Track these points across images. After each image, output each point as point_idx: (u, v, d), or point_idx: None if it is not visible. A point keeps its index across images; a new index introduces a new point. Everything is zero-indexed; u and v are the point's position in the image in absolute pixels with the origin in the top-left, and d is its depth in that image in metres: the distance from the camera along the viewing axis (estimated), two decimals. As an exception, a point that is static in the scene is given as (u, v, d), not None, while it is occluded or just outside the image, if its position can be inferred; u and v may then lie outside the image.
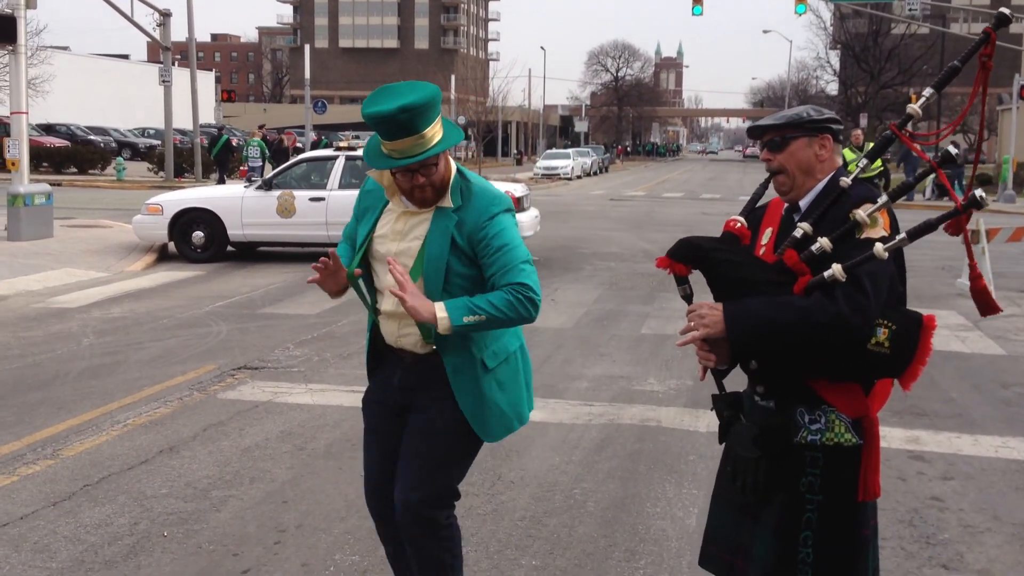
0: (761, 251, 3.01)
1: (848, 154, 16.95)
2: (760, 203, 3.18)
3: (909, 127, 2.96)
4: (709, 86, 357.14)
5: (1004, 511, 5.29)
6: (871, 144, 16.59)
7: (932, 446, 6.41)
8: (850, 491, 2.85)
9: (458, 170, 3.35)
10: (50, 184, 17.94)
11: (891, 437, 6.55)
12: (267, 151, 27.34)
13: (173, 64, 35.54)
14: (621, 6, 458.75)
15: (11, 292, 11.83)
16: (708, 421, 6.68)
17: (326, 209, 14.51)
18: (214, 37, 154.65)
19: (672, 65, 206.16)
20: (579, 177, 54.31)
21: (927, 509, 5.30)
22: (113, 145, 49.14)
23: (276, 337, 9.50)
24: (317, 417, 6.87)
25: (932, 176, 2.90)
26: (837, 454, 2.84)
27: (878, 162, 18.56)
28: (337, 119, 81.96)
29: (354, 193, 3.98)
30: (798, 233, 2.85)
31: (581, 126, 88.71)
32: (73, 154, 39.28)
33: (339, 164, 14.79)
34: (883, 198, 2.84)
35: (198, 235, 15.06)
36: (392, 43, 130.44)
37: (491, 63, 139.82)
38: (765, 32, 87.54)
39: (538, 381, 7.97)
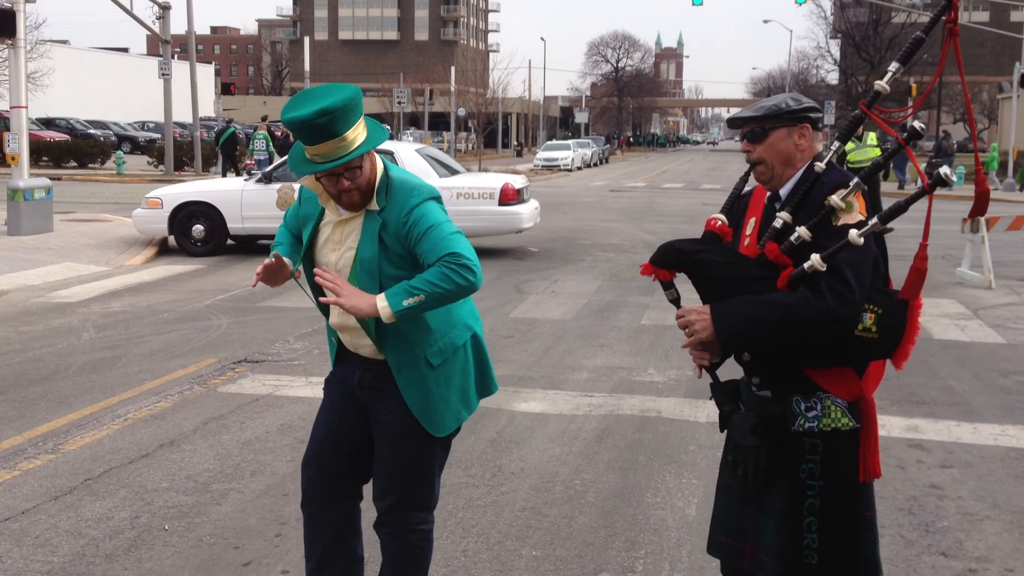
0: (746, 241, 3.03)
1: (848, 143, 16.89)
2: (745, 190, 3.19)
3: (912, 120, 2.95)
4: (709, 76, 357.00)
5: (1003, 499, 5.30)
6: (872, 134, 16.46)
7: (931, 434, 6.42)
8: (850, 474, 2.88)
9: (385, 169, 3.30)
10: (50, 178, 17.91)
11: (890, 426, 6.57)
12: (272, 144, 27.31)
13: (173, 57, 35.50)
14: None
15: (11, 287, 11.84)
16: (708, 411, 6.69)
17: (326, 202, 14.50)
18: (213, 30, 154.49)
19: (672, 55, 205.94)
20: (579, 168, 54.27)
21: (926, 497, 5.31)
22: (113, 139, 49.16)
23: (276, 330, 9.51)
24: (317, 410, 6.86)
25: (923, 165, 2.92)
26: (835, 439, 2.86)
27: (877, 151, 18.57)
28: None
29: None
30: (778, 223, 2.88)
31: (581, 117, 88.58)
32: (73, 148, 39.28)
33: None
34: (855, 180, 2.85)
35: (198, 229, 15.06)
36: (392, 35, 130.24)
37: (491, 54, 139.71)
38: (765, 22, 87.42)
39: (538, 372, 8.00)
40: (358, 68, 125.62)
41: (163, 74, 34.40)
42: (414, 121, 74.12)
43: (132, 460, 5.85)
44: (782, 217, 2.87)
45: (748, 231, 3.04)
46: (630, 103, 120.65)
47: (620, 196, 31.17)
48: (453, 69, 63.24)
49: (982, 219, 12.73)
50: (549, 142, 62.44)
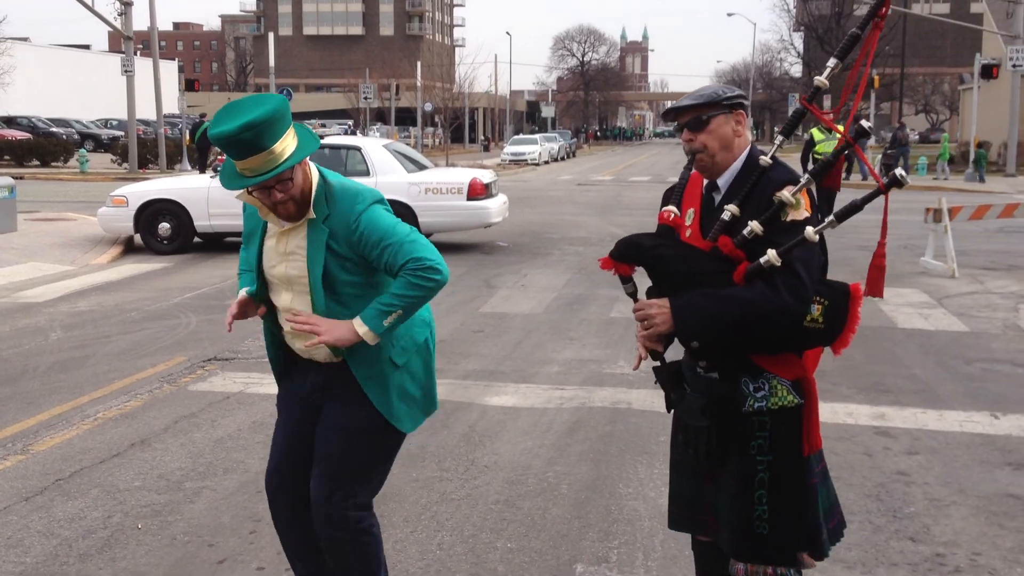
0: (687, 232, 3.08)
1: (816, 134, 17.00)
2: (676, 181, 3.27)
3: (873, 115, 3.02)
4: (675, 70, 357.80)
5: (969, 484, 5.39)
6: (840, 126, 16.63)
7: (898, 422, 6.51)
8: (796, 447, 3.02)
9: (321, 177, 3.28)
10: (12, 177, 17.72)
11: (857, 414, 6.66)
12: None
13: (135, 54, 35.19)
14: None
15: (-24, 287, 11.71)
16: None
17: (293, 198, 14.44)
18: (176, 26, 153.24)
19: (638, 49, 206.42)
20: (546, 162, 54.34)
21: (893, 484, 5.39)
22: (76, 137, 48.65)
23: (246, 328, 9.44)
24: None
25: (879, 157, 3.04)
26: (782, 416, 2.99)
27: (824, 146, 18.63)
28: (303, 107, 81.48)
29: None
30: (726, 216, 2.94)
31: (548, 111, 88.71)
32: (35, 147, 38.85)
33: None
34: (804, 178, 2.93)
35: (164, 227, 14.96)
36: (357, 30, 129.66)
37: (457, 49, 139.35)
38: (729, 15, 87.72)
39: (509, 366, 8.03)
40: (323, 64, 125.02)
41: (126, 71, 34.09)
42: (380, 116, 73.88)
43: (103, 460, 5.82)
44: (730, 210, 2.93)
45: (688, 222, 3.10)
46: (596, 97, 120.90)
47: (587, 190, 31.26)
48: (419, 64, 63.04)
49: (944, 209, 12.91)
50: (516, 136, 62.46)
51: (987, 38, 46.24)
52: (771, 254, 2.82)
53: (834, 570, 4.36)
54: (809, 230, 2.85)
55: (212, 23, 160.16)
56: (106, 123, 57.91)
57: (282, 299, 3.38)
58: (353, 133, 36.35)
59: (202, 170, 29.67)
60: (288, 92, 47.44)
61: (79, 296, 11.37)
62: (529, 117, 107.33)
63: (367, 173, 14.22)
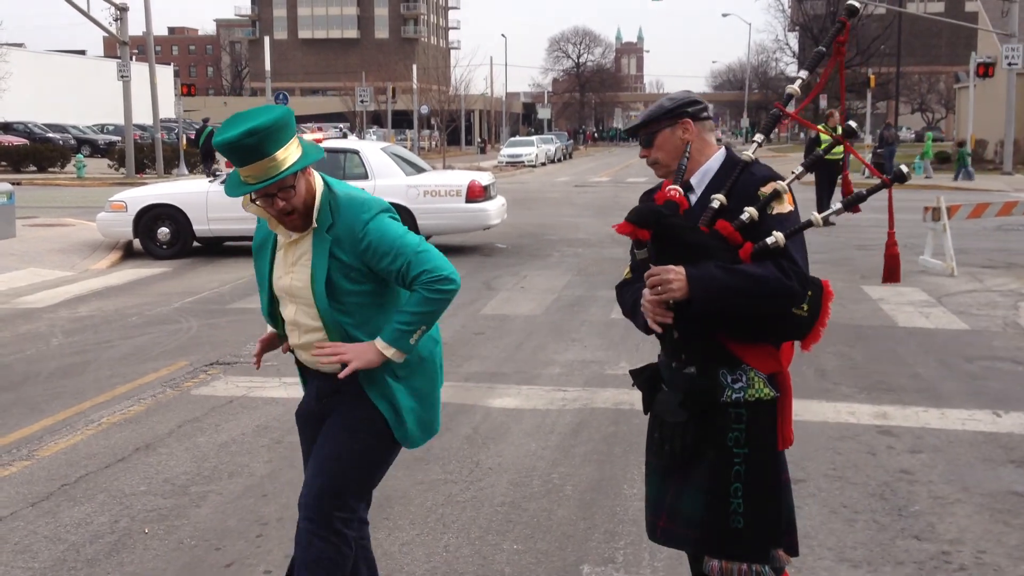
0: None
1: (824, 136, 17.07)
2: (647, 190, 3.32)
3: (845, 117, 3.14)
4: (670, 71, 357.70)
5: (972, 482, 5.41)
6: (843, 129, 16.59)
7: (900, 420, 6.53)
8: (771, 441, 3.09)
9: (326, 186, 3.29)
10: (10, 183, 17.71)
11: (860, 413, 6.68)
12: None
13: (131, 59, 35.18)
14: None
15: (-24, 293, 11.71)
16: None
17: (292, 202, 14.44)
18: (171, 30, 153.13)
19: (633, 50, 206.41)
20: (543, 164, 54.34)
21: (897, 482, 5.41)
22: (72, 142, 48.58)
23: (247, 332, 9.48)
24: (292, 410, 6.81)
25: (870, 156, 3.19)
26: (758, 408, 3.06)
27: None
28: (299, 111, 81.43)
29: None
30: (715, 204, 3.04)
31: (544, 113, 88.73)
32: (32, 152, 38.83)
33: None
34: (800, 170, 3.14)
35: (163, 231, 14.96)
36: (352, 33, 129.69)
37: (452, 52, 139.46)
38: (724, 16, 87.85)
39: (511, 368, 8.04)
40: (319, 67, 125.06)
41: (122, 76, 34.09)
42: (377, 120, 73.92)
43: (108, 464, 5.83)
44: (719, 199, 3.03)
45: None
46: (592, 98, 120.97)
47: (585, 191, 31.28)
48: (415, 67, 63.12)
49: (943, 208, 12.93)
50: (513, 138, 62.50)
51: (982, 36, 46.32)
52: (778, 236, 2.93)
53: (839, 569, 4.37)
54: (816, 215, 3.07)
55: (207, 27, 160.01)
56: (102, 128, 57.87)
57: (287, 311, 3.39)
58: (345, 136, 36.33)
59: (207, 173, 29.75)
60: (284, 96, 47.51)
61: (79, 301, 11.37)
62: (525, 119, 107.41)
63: (365, 176, 14.22)
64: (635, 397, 7.03)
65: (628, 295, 3.21)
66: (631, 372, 3.35)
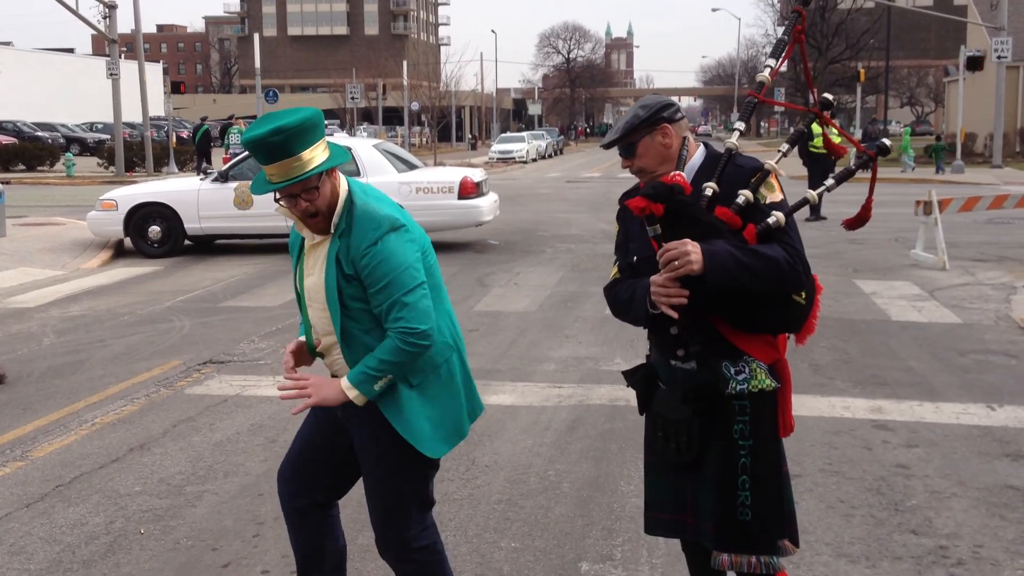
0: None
1: (815, 128, 17.12)
2: (630, 189, 3.31)
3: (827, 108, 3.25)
4: (660, 66, 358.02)
5: (968, 476, 5.42)
6: (837, 123, 16.63)
7: (895, 415, 6.54)
8: (773, 432, 3.11)
9: (350, 191, 3.28)
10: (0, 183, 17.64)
11: (855, 407, 6.68)
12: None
13: (120, 57, 35.05)
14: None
15: (-33, 293, 11.66)
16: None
17: (284, 200, 14.38)
18: (160, 28, 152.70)
19: (623, 46, 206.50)
20: (534, 160, 54.34)
21: (894, 477, 5.41)
22: (61, 141, 48.44)
23: (240, 330, 9.46)
24: (287, 409, 6.84)
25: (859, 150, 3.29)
26: (761, 399, 3.06)
27: (839, 139, 18.74)
28: (289, 108, 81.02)
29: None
30: (708, 192, 3.06)
31: (535, 109, 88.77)
32: (20, 151, 38.70)
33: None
34: (770, 164, 3.13)
35: (154, 230, 14.91)
36: (342, 30, 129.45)
37: (442, 48, 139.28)
38: (714, 11, 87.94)
39: (505, 364, 8.03)
40: (309, 64, 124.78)
41: (111, 74, 33.97)
42: (367, 116, 73.79)
43: (103, 465, 5.80)
44: (711, 187, 3.06)
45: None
46: (582, 94, 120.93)
47: (577, 187, 31.27)
48: (405, 63, 62.98)
49: (935, 201, 12.96)
50: (503, 134, 62.43)
51: (971, 30, 46.45)
52: (778, 215, 2.99)
53: (838, 564, 4.37)
54: (811, 192, 3.18)
55: (196, 25, 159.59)
56: (91, 126, 57.69)
57: (310, 313, 3.37)
58: (330, 135, 36.46)
59: (204, 172, 29.75)
60: (274, 93, 47.36)
61: (71, 301, 11.32)
62: (516, 115, 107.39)
63: (357, 173, 14.18)
64: (630, 394, 6.99)
65: (623, 289, 3.17)
66: (624, 373, 3.35)
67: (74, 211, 20.59)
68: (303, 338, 3.46)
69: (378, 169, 14.47)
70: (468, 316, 9.98)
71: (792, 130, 3.34)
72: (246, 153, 15.50)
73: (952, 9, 77.95)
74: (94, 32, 35.66)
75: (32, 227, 17.93)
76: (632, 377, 3.30)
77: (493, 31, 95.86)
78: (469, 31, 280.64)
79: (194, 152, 33.80)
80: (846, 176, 3.16)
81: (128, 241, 15.27)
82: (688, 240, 2.91)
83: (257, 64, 44.62)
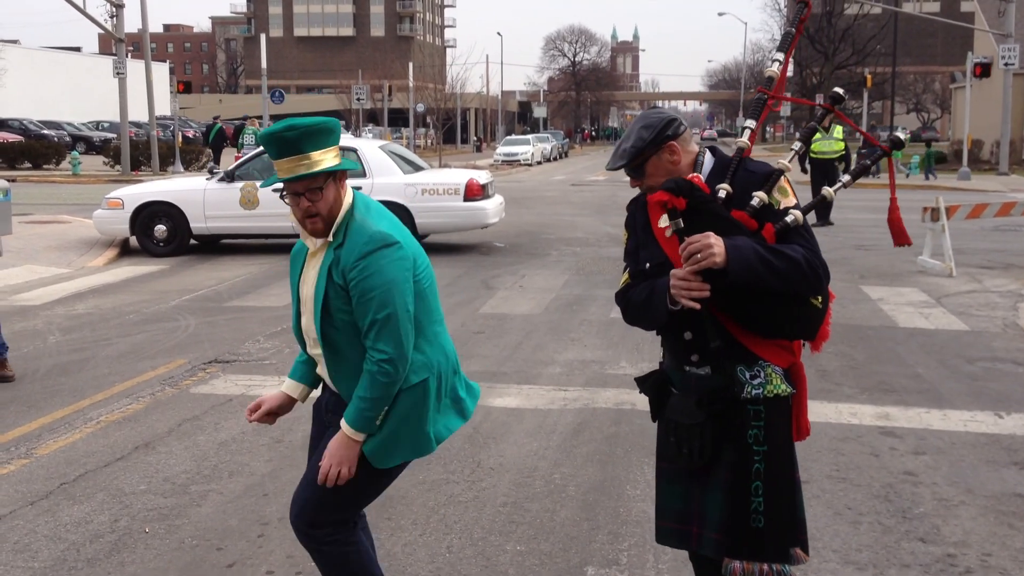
0: (668, 233, 3.06)
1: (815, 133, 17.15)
2: (638, 195, 3.28)
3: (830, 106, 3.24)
4: (665, 69, 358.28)
5: (976, 484, 5.39)
6: (840, 128, 16.56)
7: (902, 422, 6.51)
8: (787, 437, 3.10)
9: (352, 206, 3.30)
10: (6, 180, 17.62)
11: (862, 414, 6.66)
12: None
13: (127, 56, 35.09)
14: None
15: (-28, 290, 11.66)
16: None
17: (290, 200, 14.37)
18: (166, 27, 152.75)
19: (628, 49, 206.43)
20: (539, 163, 54.33)
21: (901, 484, 5.39)
22: (67, 139, 48.46)
23: (245, 330, 9.45)
24: (292, 409, 6.83)
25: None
26: (775, 404, 3.05)
27: (841, 144, 18.71)
28: (295, 109, 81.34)
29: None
30: (722, 194, 3.05)
31: (540, 112, 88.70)
32: (27, 149, 38.72)
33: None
34: (783, 163, 3.11)
35: (160, 229, 14.91)
36: (348, 31, 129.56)
37: (448, 50, 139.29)
38: (720, 15, 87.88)
39: (511, 367, 8.01)
40: (315, 65, 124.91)
41: (118, 73, 33.98)
42: (372, 118, 73.83)
43: (108, 463, 5.79)
44: (724, 188, 3.04)
45: (662, 223, 3.09)
46: (588, 97, 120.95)
47: (582, 190, 31.25)
48: (411, 65, 62.95)
49: (942, 208, 12.93)
50: (508, 137, 62.45)
51: (978, 36, 46.33)
52: (795, 214, 2.98)
53: (846, 572, 4.35)
54: (827, 189, 3.12)
55: (203, 25, 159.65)
56: (97, 125, 57.73)
57: (303, 323, 3.43)
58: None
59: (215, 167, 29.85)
60: (280, 94, 47.41)
61: (76, 299, 11.32)
62: (521, 117, 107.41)
63: (363, 175, 14.18)
64: (636, 397, 7.02)
65: (638, 291, 3.12)
66: (636, 380, 3.33)
67: (80, 209, 20.60)
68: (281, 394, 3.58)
69: (384, 170, 14.46)
70: (473, 318, 9.97)
71: (797, 134, 3.30)
72: (253, 153, 15.52)
73: (959, 16, 77.86)
74: (101, 31, 35.71)
75: (38, 225, 17.94)
76: (644, 383, 3.28)
77: (499, 33, 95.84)
78: (475, 33, 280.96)
79: (209, 150, 34.09)
80: (862, 172, 3.17)
81: (134, 240, 15.27)
82: (711, 233, 2.88)
83: (263, 64, 44.57)
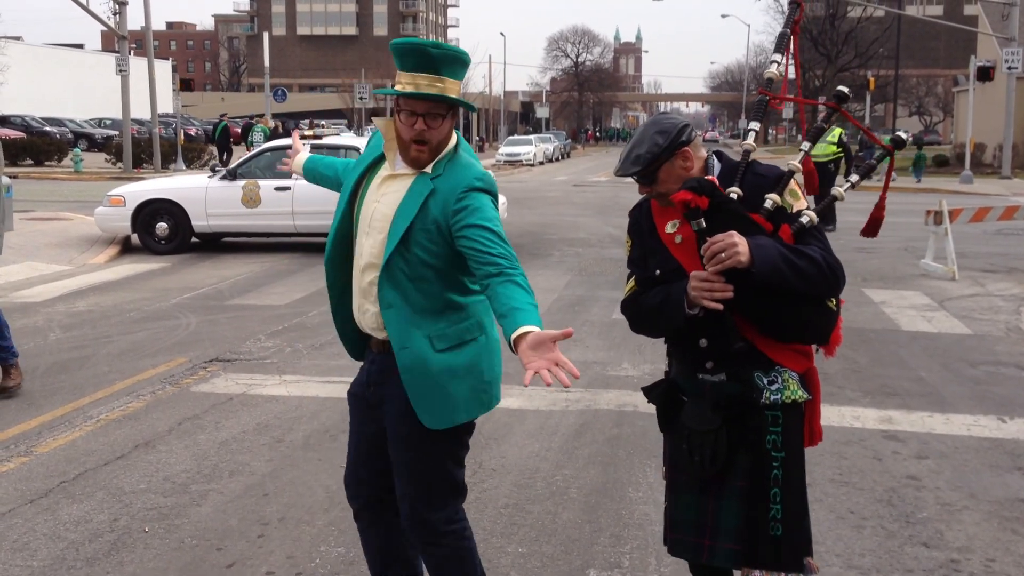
0: (677, 239, 3.06)
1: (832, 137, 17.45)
2: (643, 199, 3.25)
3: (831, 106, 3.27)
4: (668, 71, 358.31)
5: (979, 489, 5.36)
6: (838, 131, 16.56)
7: (905, 425, 6.49)
8: (801, 443, 3.09)
9: (456, 145, 3.25)
10: (8, 176, 17.61)
11: (865, 417, 6.63)
12: (272, 137, 27.67)
13: (129, 53, 35.07)
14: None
15: (-27, 287, 11.64)
16: (684, 405, 6.72)
17: (292, 198, 14.38)
18: (169, 25, 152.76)
19: (631, 50, 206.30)
20: (541, 163, 54.32)
21: (904, 488, 5.36)
22: (69, 136, 48.36)
23: (247, 328, 9.43)
24: (293, 409, 6.83)
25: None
26: (792, 410, 3.04)
27: (834, 147, 18.65)
28: (297, 107, 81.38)
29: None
30: (733, 196, 3.04)
31: (542, 112, 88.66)
32: (29, 146, 38.66)
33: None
34: (793, 164, 3.15)
35: (162, 226, 14.89)
36: (351, 30, 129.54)
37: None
38: (723, 17, 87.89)
39: (513, 367, 7.93)
40: (318, 64, 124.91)
41: (121, 70, 33.94)
42: (375, 116, 73.79)
43: (107, 462, 5.77)
44: (735, 191, 3.04)
45: (669, 229, 3.08)
46: (590, 98, 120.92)
47: (584, 190, 31.22)
48: (414, 64, 62.83)
49: (945, 211, 12.90)
50: (511, 137, 62.48)
51: (981, 40, 46.30)
52: (811, 215, 2.99)
53: (849, 576, 4.33)
54: (838, 189, 3.11)
55: (205, 23, 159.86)
56: (100, 122, 57.67)
57: (358, 244, 3.29)
58: (337, 135, 36.66)
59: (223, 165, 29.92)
60: (282, 92, 47.43)
61: (77, 296, 11.30)
62: (523, 118, 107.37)
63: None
64: (638, 399, 6.99)
65: (651, 295, 3.08)
66: (644, 390, 3.27)
67: (81, 206, 20.58)
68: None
69: (386, 169, 14.42)
70: (475, 318, 9.93)
71: (800, 139, 3.27)
72: (255, 151, 15.50)
73: (962, 19, 77.82)
74: (104, 28, 35.70)
75: (39, 222, 17.91)
76: (652, 392, 3.23)
77: (502, 34, 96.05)
78: (478, 33, 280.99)
79: (213, 148, 34.20)
80: (869, 170, 3.19)
81: (135, 237, 15.25)
82: (734, 232, 2.85)
83: (266, 63, 44.67)
